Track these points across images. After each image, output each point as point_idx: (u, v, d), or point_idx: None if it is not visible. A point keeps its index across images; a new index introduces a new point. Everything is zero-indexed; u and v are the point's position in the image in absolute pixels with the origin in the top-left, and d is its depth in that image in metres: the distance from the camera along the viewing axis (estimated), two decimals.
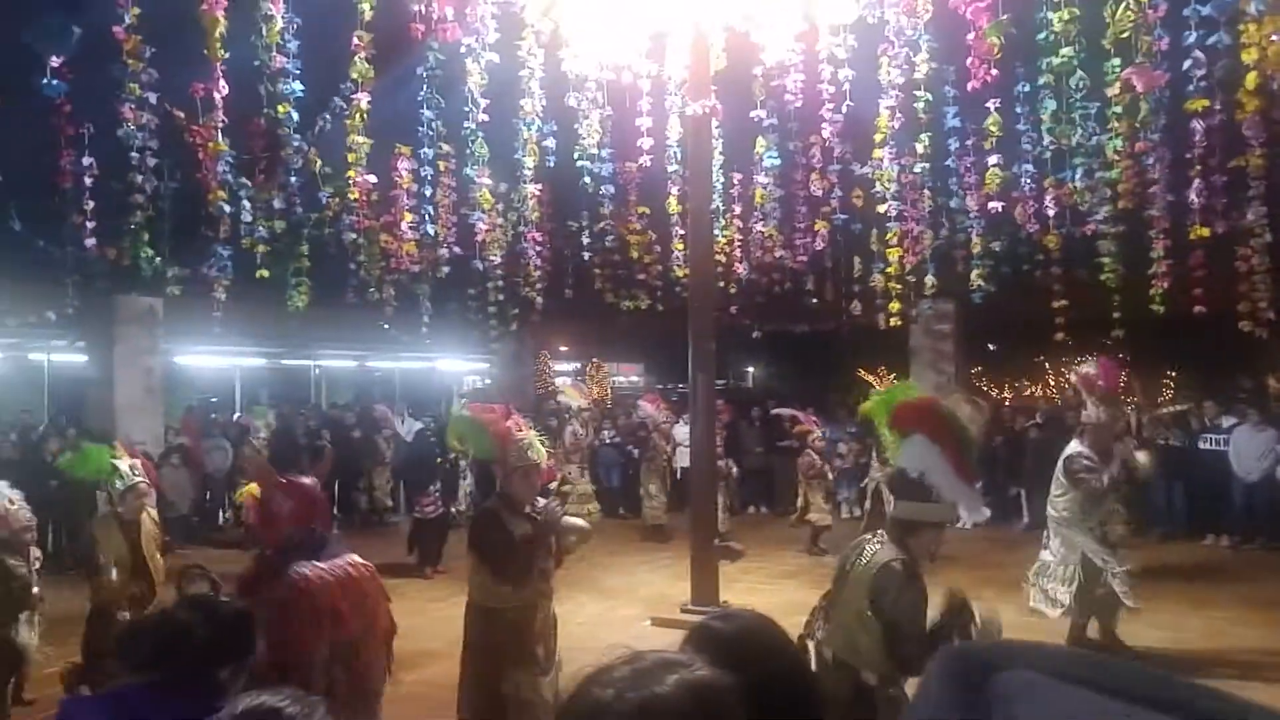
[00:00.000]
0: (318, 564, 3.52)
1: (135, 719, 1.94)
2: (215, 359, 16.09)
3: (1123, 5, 5.51)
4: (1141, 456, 7.99)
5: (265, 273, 8.56)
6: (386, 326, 11.15)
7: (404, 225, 8.52)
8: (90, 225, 7.58)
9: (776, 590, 8.99)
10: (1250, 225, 7.99)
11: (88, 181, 7.35)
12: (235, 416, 14.55)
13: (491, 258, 9.43)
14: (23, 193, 8.23)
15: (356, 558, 3.76)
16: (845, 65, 7.34)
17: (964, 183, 9.27)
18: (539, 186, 8.37)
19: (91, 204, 7.46)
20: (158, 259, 9.03)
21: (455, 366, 19.39)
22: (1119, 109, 6.52)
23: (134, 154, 6.86)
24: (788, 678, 1.81)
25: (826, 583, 4.00)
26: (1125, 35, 5.63)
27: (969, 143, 8.59)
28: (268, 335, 14.40)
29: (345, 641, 3.45)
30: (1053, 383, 22.96)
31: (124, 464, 5.93)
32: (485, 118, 7.09)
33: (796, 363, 21.35)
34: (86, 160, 7.28)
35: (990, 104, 7.11)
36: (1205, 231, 7.74)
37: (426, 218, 8.63)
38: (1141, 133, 6.97)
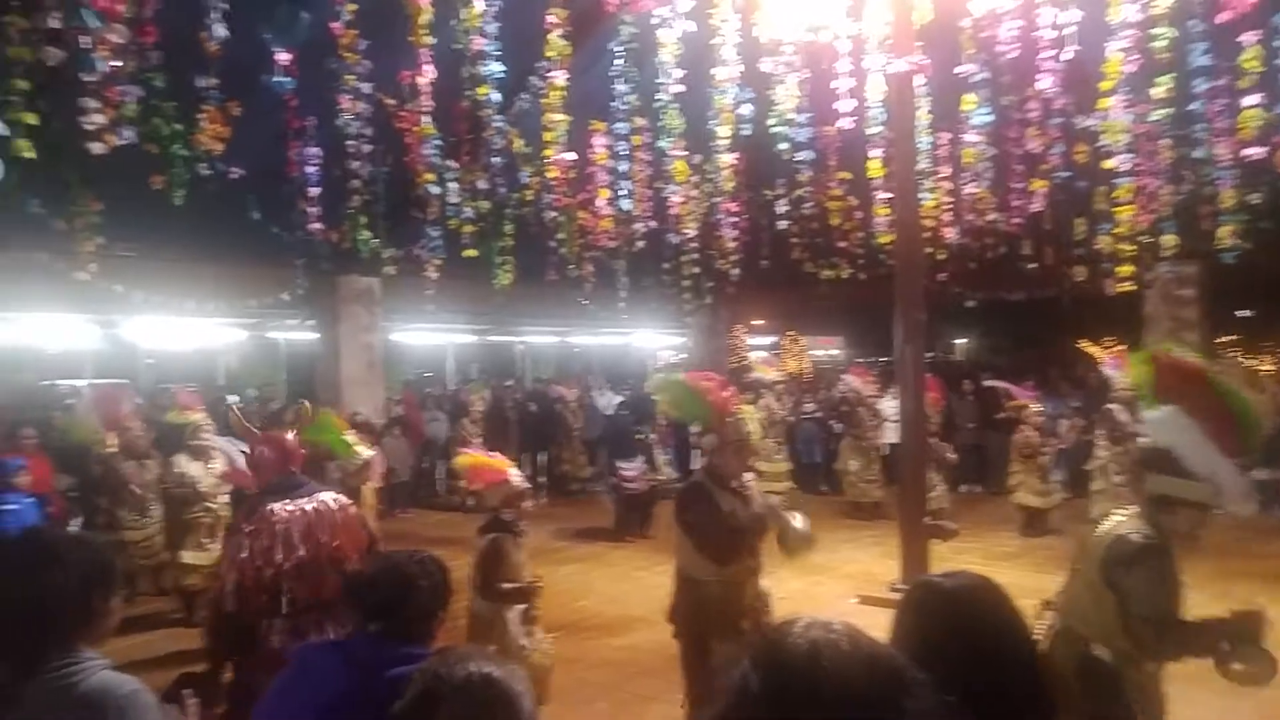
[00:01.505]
0: (289, 502, 4.01)
1: (364, 664, 2.05)
2: (428, 336, 17.10)
3: None
4: None
5: (472, 252, 8.94)
6: (585, 302, 11.40)
7: (600, 201, 8.62)
8: (314, 211, 8.03)
9: (992, 572, 8.28)
10: None
11: (312, 170, 7.81)
12: (452, 390, 15.41)
13: (686, 230, 9.38)
14: (259, 184, 8.95)
15: (331, 496, 4.19)
16: (1069, 7, 6.68)
17: (1213, 129, 8.26)
18: (734, 156, 8.21)
19: (315, 191, 7.92)
20: (375, 241, 9.60)
21: (651, 341, 19.66)
22: None
23: (350, 142, 7.23)
24: (1007, 640, 1.78)
25: (1046, 566, 3.70)
26: None
27: (1219, 83, 7.63)
28: (475, 312, 15.11)
29: (303, 561, 3.82)
30: None
31: (353, 438, 6.40)
32: (680, 88, 7.01)
33: (1011, 333, 20.12)
34: (310, 150, 7.75)
35: (1247, 37, 6.26)
36: None
37: (622, 193, 8.69)
38: None
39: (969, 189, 9.34)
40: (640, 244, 9.89)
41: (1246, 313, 18.42)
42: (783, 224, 9.84)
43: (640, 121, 8.16)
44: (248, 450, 4.48)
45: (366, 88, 6.97)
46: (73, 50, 4.67)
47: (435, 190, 7.82)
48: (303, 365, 14.95)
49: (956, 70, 7.59)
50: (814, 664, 1.01)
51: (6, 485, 7.07)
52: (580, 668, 6.17)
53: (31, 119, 4.49)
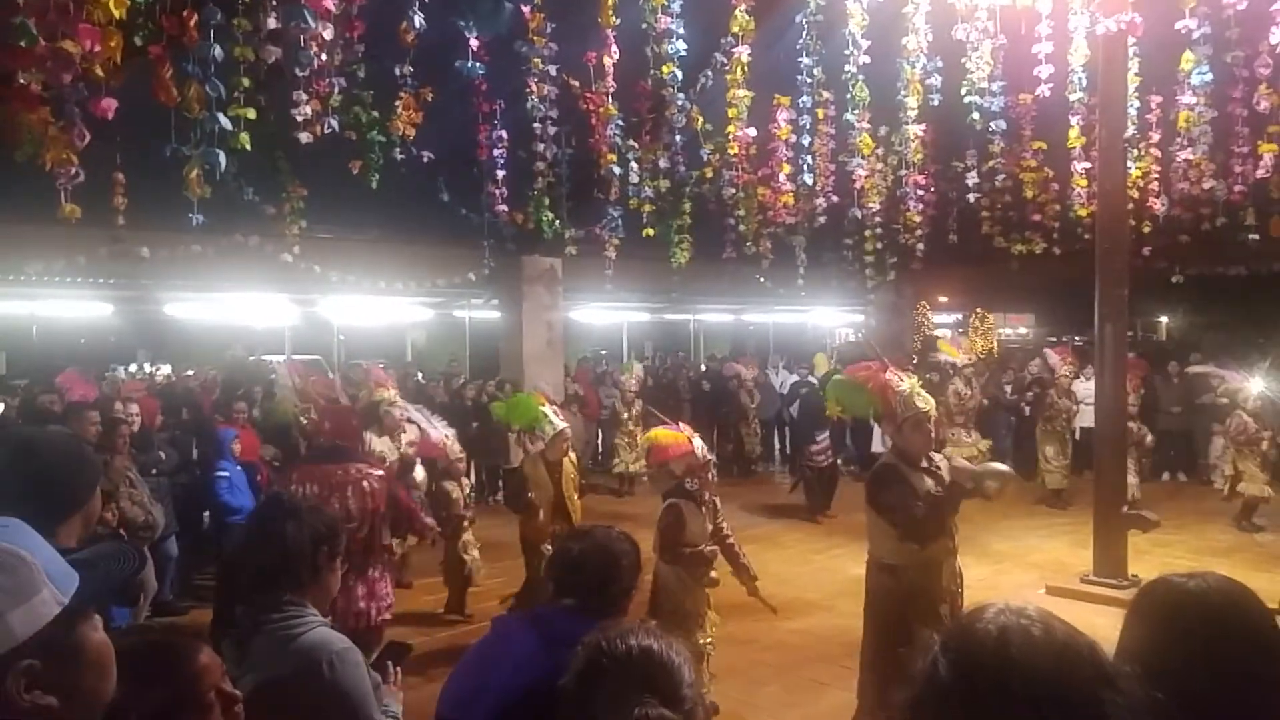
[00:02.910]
0: (324, 465, 4.83)
1: (561, 639, 1.99)
2: (605, 314, 17.47)
3: None
4: None
5: (650, 231, 9.08)
6: (762, 280, 11.35)
7: (781, 177, 8.55)
8: (501, 193, 8.22)
9: (1198, 569, 7.93)
10: None
11: (499, 153, 8.05)
12: (604, 369, 15.63)
13: (870, 205, 9.16)
14: (449, 168, 9.38)
15: (366, 466, 4.94)
16: None
17: None
18: (922, 128, 7.95)
19: (502, 173, 8.13)
20: (557, 221, 9.89)
21: (829, 319, 19.33)
22: None
23: (536, 125, 7.42)
24: (1263, 649, 1.59)
25: (1263, 563, 3.44)
26: None
27: None
28: (651, 290, 15.31)
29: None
30: None
31: (550, 411, 6.63)
32: (867, 60, 6.86)
33: (1226, 310, 18.51)
34: (498, 134, 8.01)
35: None
36: None
37: (804, 168, 8.59)
38: None
39: (1183, 156, 8.64)
40: (821, 220, 9.75)
41: None
42: (972, 197, 9.43)
43: (825, 95, 8.04)
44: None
45: (553, 70, 7.16)
46: (287, 47, 5.03)
47: (617, 171, 7.96)
48: (485, 343, 15.52)
49: (1176, 26, 7.04)
50: (1003, 652, 0.99)
51: (222, 453, 7.76)
52: (753, 649, 6.19)
53: (250, 114, 4.81)
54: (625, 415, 12.33)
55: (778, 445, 14.90)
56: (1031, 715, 0.95)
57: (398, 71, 6.40)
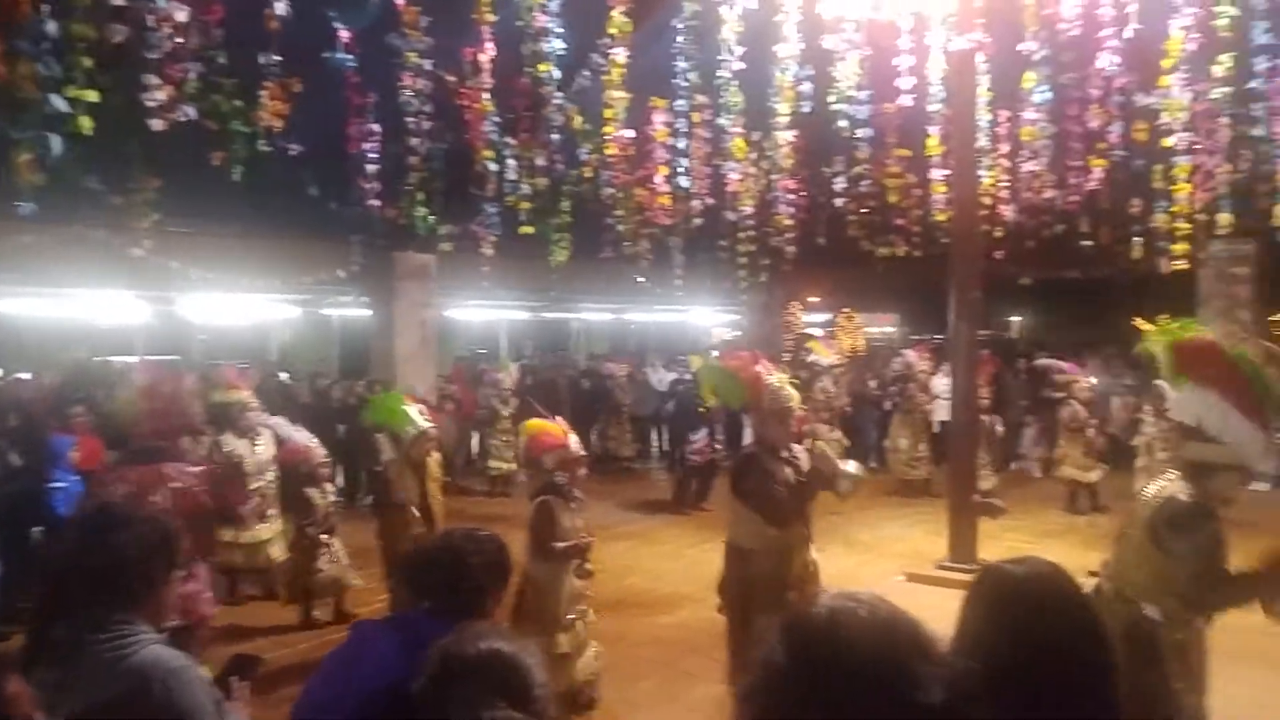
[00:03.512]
0: (139, 466, 4.94)
1: (421, 642, 1.96)
2: (483, 312, 17.29)
3: None
4: None
5: (529, 229, 9.08)
6: (641, 280, 11.49)
7: (659, 178, 8.73)
8: (373, 187, 8.09)
9: (1039, 550, 8.39)
10: None
11: (371, 147, 7.86)
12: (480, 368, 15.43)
13: (743, 208, 9.46)
14: (318, 161, 9.12)
15: (174, 467, 4.99)
16: None
17: (1271, 108, 8.17)
18: (793, 133, 8.29)
19: (374, 167, 7.98)
20: (431, 217, 9.74)
21: (706, 318, 19.72)
22: None
23: (410, 119, 7.32)
24: (1078, 628, 1.76)
25: (1094, 543, 3.81)
26: None
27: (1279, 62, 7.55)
28: (530, 289, 15.21)
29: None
30: None
31: (414, 410, 6.51)
32: (741, 66, 7.10)
33: (1067, 311, 19.88)
34: (370, 127, 7.80)
35: None
36: None
37: (680, 170, 8.78)
38: None
39: (1027, 167, 9.32)
40: (697, 221, 9.99)
41: None
42: (840, 201, 9.87)
43: (700, 99, 8.27)
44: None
45: (428, 64, 7.09)
46: (136, 27, 4.80)
47: (493, 167, 7.94)
48: (356, 342, 15.09)
49: (1018, 48, 7.60)
50: (834, 633, 1.06)
51: (57, 463, 7.21)
52: (627, 644, 6.20)
53: (92, 96, 4.53)
54: (501, 415, 12.22)
55: (655, 443, 15.10)
56: (856, 688, 1.02)
57: (262, 60, 6.21)
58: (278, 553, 7.23)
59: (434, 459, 6.56)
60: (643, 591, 7.73)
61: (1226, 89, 7.47)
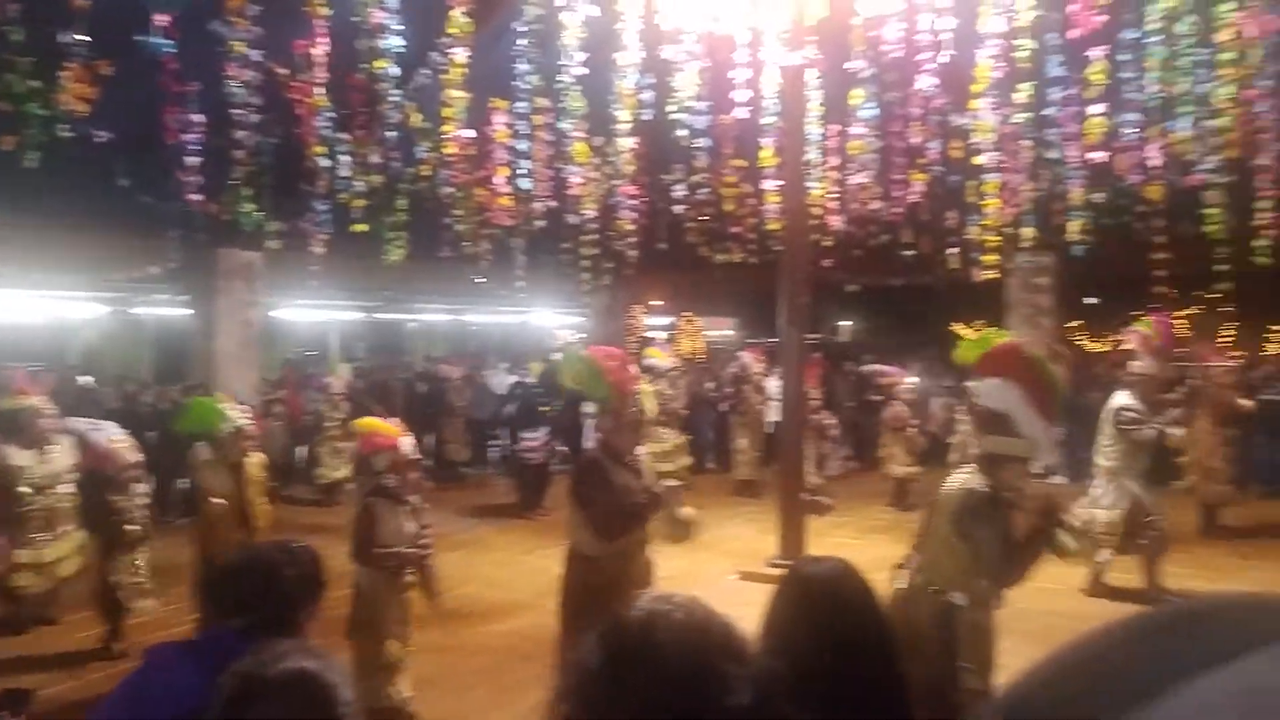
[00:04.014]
0: None
1: (224, 665, 1.76)
2: (313, 312, 16.57)
3: None
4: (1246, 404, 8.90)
5: (362, 226, 8.79)
6: (481, 280, 11.34)
7: (499, 179, 8.65)
8: (193, 181, 7.70)
9: (865, 545, 8.97)
10: None
11: (192, 138, 7.47)
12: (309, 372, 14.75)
13: (585, 211, 9.51)
14: (130, 150, 8.53)
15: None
16: (945, 14, 7.13)
17: (1064, 133, 8.95)
18: (634, 140, 8.40)
19: (195, 160, 7.60)
20: (258, 213, 9.29)
21: (549, 320, 19.64)
22: (1228, 56, 6.23)
23: (236, 111, 6.99)
24: (869, 625, 1.90)
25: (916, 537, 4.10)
26: None
27: (1071, 92, 8.28)
28: (365, 289, 14.68)
29: None
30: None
31: (229, 408, 6.10)
32: (583, 71, 7.13)
33: (892, 316, 21.03)
34: (191, 117, 7.42)
35: (1093, 52, 6.84)
36: None
37: (521, 172, 8.73)
38: (1253, 80, 6.64)
39: (855, 179, 9.82)
40: (539, 223, 9.97)
41: (1093, 300, 19.92)
42: (680, 208, 10.09)
43: (542, 102, 8.25)
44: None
45: (256, 55, 6.76)
46: None
47: (325, 163, 7.66)
48: (172, 343, 14.11)
49: (846, 66, 7.98)
50: (648, 635, 1.08)
51: None
52: (459, 655, 6.03)
53: None
54: (331, 421, 11.70)
55: (495, 447, 14.84)
56: (667, 690, 1.04)
57: (65, 39, 5.73)
58: (70, 570, 6.58)
59: (255, 461, 6.14)
60: (477, 600, 7.59)
61: (1026, 114, 8.11)
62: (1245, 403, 9.77)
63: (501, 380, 13.92)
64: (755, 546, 8.84)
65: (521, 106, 7.97)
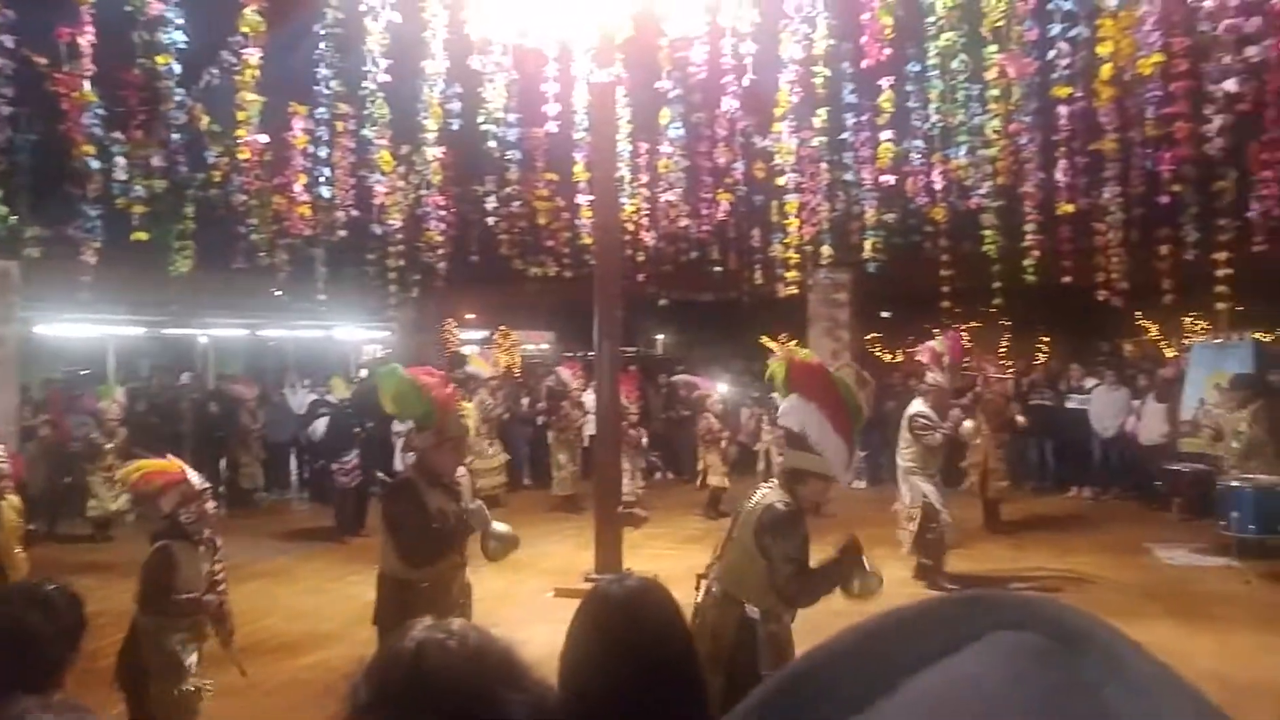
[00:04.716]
0: None
1: None
2: (86, 328, 15.09)
3: None
4: (1020, 417, 9.89)
5: (143, 235, 8.11)
6: (279, 293, 10.73)
7: (298, 187, 8.21)
8: None
9: (680, 555, 9.12)
10: (1106, 204, 8.48)
11: None
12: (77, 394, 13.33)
13: (391, 222, 9.19)
14: None
15: None
16: (747, 39, 7.39)
17: (859, 157, 9.50)
18: (442, 150, 8.19)
19: None
20: (13, 217, 8.41)
21: (354, 335, 18.83)
22: (996, 92, 6.81)
23: None
24: (671, 641, 1.89)
25: None
26: (999, 24, 5.87)
27: (863, 118, 8.80)
28: (147, 302, 13.49)
29: None
30: None
31: None
32: (387, 78, 6.89)
33: (703, 330, 21.62)
34: None
35: (883, 82, 7.29)
36: (1070, 208, 8.17)
37: (322, 180, 8.33)
38: (1015, 115, 7.30)
39: (665, 196, 10.02)
40: (342, 233, 9.53)
41: (887, 314, 21.31)
42: (492, 220, 9.95)
43: (345, 108, 7.90)
44: None
45: (9, 41, 6.13)
46: None
47: (96, 165, 7.01)
48: None
49: (656, 85, 8.13)
50: (417, 665, 1.06)
51: None
52: (257, 694, 5.57)
53: None
54: (104, 447, 10.62)
55: (295, 469, 14.01)
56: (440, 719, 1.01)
57: None
58: None
59: (10, 505, 5.52)
60: (277, 634, 7.13)
61: (823, 139, 8.56)
62: (1019, 411, 10.78)
63: (301, 399, 13.15)
64: (572, 563, 8.81)
65: (322, 112, 7.59)
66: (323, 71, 7.18)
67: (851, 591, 3.91)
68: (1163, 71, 6.10)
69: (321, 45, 7.04)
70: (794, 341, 11.94)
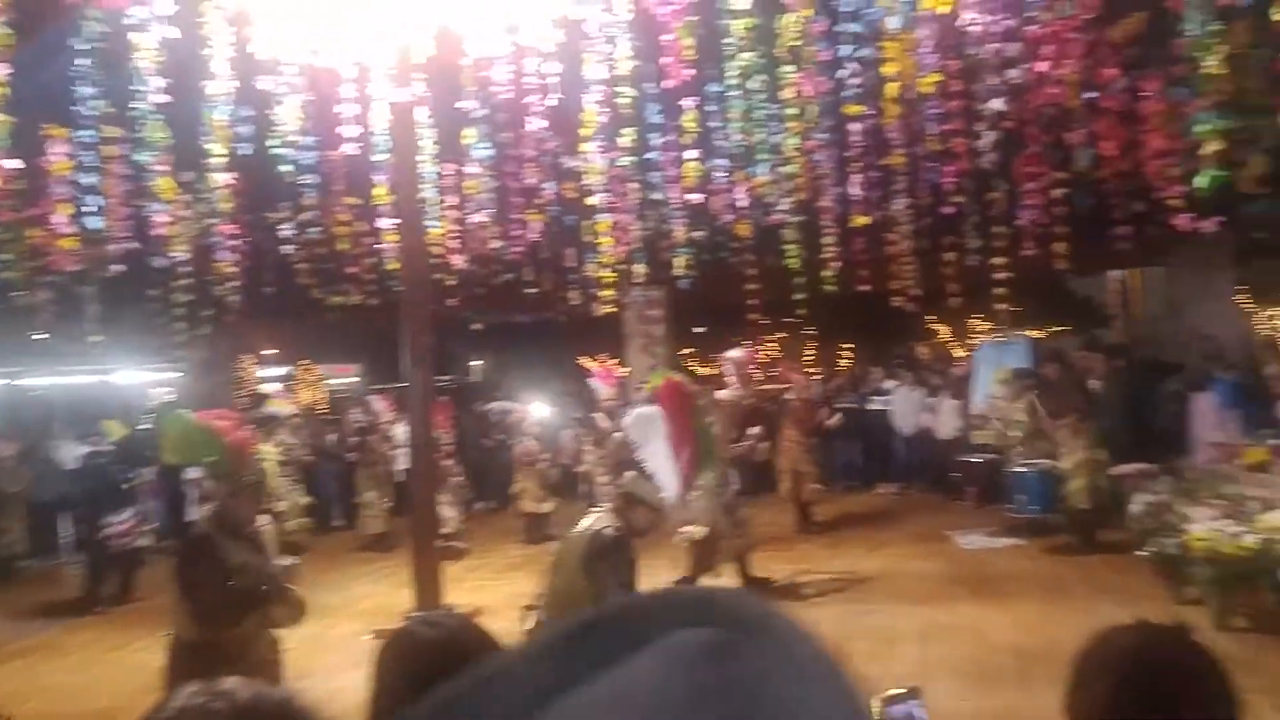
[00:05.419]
0: None
1: None
2: None
3: (788, 18, 5.99)
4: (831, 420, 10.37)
5: None
6: (42, 336, 9.66)
7: (60, 218, 7.40)
8: None
9: (503, 584, 8.92)
10: (896, 215, 9.06)
11: None
12: None
13: (176, 253, 8.46)
14: None
15: None
16: (551, 59, 7.34)
17: (666, 176, 9.67)
18: (231, 175, 7.62)
19: None
20: None
21: (136, 378, 17.24)
22: (793, 111, 7.11)
23: None
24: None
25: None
26: (794, 45, 6.13)
27: (669, 138, 8.96)
28: None
29: None
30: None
31: None
32: (164, 99, 6.33)
33: (521, 353, 21.38)
34: None
35: (686, 102, 7.44)
36: (865, 220, 8.66)
37: (89, 210, 7.56)
38: (812, 133, 7.65)
39: (474, 218, 9.80)
40: (117, 268, 8.68)
41: (701, 329, 21.91)
42: (289, 249, 9.38)
43: (115, 131, 7.20)
44: None
45: None
46: None
47: None
48: None
49: (458, 105, 7.92)
50: None
51: None
52: None
53: None
54: None
55: (65, 532, 12.47)
56: None
57: None
58: None
59: None
60: (46, 717, 6.39)
61: (631, 158, 8.64)
62: (829, 414, 11.34)
63: (72, 452, 11.81)
64: (390, 603, 8.43)
65: (87, 135, 6.88)
66: (86, 90, 6.51)
67: None
68: (940, 90, 6.56)
69: (83, 62, 6.38)
70: (614, 360, 12.03)
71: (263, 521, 4.48)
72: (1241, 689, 1.54)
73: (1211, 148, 4.46)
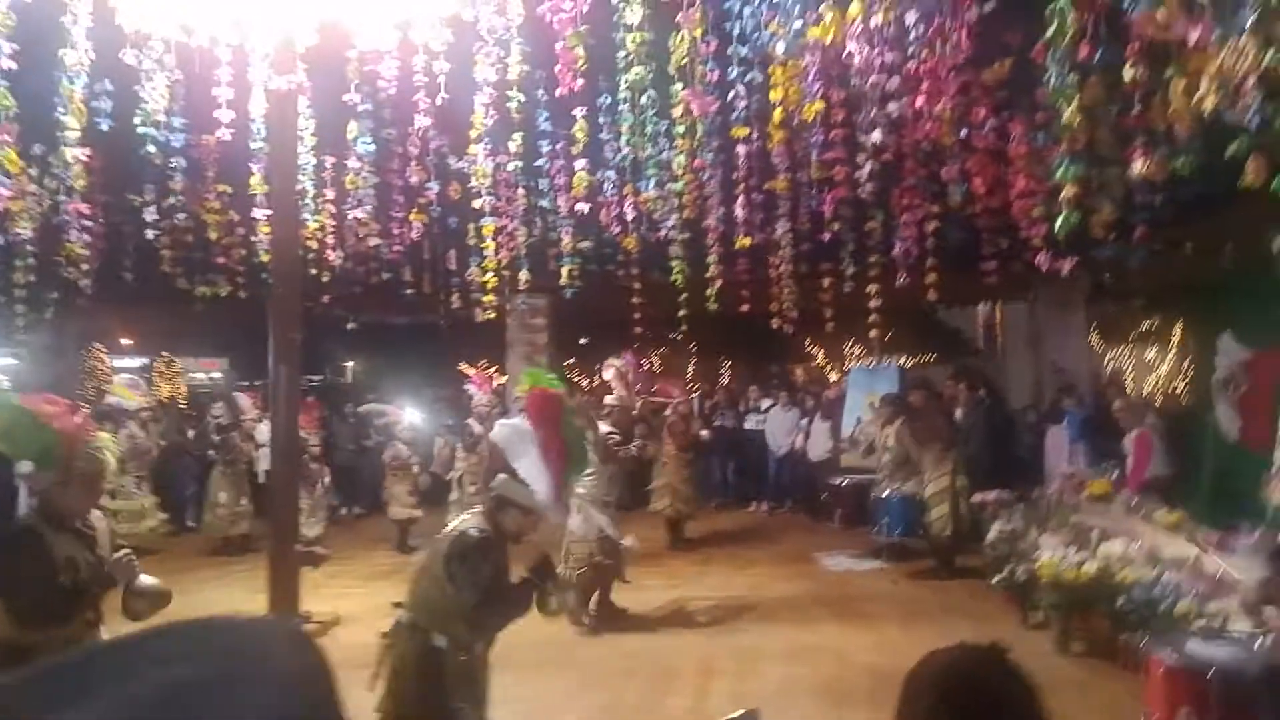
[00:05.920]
0: None
1: None
2: None
3: (680, 35, 6.04)
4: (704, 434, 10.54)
5: None
6: None
7: None
8: None
9: (368, 593, 8.67)
10: (778, 238, 9.25)
11: None
12: None
13: (20, 231, 7.87)
14: None
15: None
16: (440, 57, 7.18)
17: (554, 184, 9.60)
18: (86, 152, 7.13)
19: None
20: None
21: None
22: (682, 129, 7.16)
23: None
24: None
25: None
26: (685, 63, 6.18)
27: (559, 146, 8.91)
28: None
29: None
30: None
31: None
32: (10, 65, 5.87)
33: (397, 355, 20.88)
34: None
35: (577, 111, 7.39)
36: (748, 241, 8.80)
37: None
38: (699, 151, 7.73)
39: (353, 214, 9.48)
40: None
41: (585, 340, 21.87)
42: (151, 234, 8.84)
43: None
44: None
45: None
46: None
47: None
48: None
49: (343, 97, 7.65)
50: None
51: None
52: None
53: None
54: None
55: None
56: None
57: None
58: None
59: None
60: None
61: (519, 163, 8.53)
62: (703, 431, 11.47)
63: None
64: (243, 608, 8.09)
65: None
66: None
67: (549, 609, 3.96)
68: (823, 119, 6.71)
69: None
70: (494, 368, 11.84)
71: (97, 516, 4.18)
72: (1075, 709, 1.61)
73: (1069, 192, 4.69)
